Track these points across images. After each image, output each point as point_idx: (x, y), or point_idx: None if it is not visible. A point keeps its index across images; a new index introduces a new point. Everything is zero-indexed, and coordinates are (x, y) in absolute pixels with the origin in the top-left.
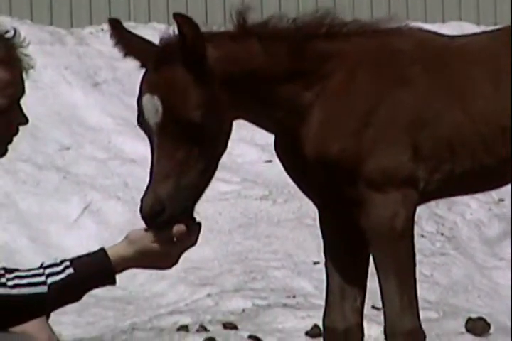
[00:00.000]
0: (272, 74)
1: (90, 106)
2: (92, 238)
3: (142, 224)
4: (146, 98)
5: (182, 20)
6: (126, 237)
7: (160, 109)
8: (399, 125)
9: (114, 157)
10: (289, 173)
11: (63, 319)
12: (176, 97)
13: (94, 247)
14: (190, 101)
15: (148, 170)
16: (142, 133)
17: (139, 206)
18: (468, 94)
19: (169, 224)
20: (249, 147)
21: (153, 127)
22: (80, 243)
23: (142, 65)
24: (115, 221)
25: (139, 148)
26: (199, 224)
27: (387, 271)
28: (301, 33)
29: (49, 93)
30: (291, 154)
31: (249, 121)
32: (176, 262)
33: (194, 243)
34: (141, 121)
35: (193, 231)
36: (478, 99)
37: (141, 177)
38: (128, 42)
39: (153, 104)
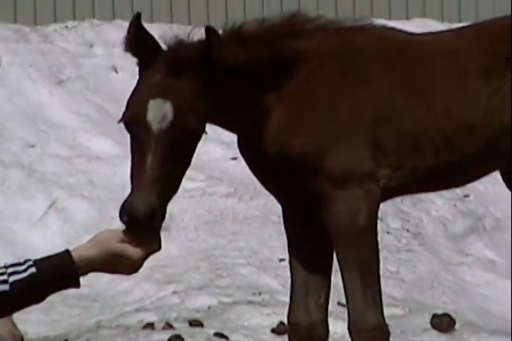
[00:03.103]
0: (250, 77)
1: (55, 104)
2: (57, 236)
3: (107, 222)
4: (156, 102)
5: (212, 32)
6: (93, 238)
7: (170, 115)
8: (360, 122)
9: (79, 155)
10: (252, 171)
11: (29, 317)
12: (186, 106)
13: (59, 245)
14: (199, 112)
15: (129, 171)
16: (107, 130)
17: (123, 208)
18: (431, 91)
19: (154, 229)
20: (215, 145)
21: (155, 132)
22: (45, 241)
23: (140, 64)
24: (80, 219)
25: (105, 146)
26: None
27: (351, 267)
28: (271, 34)
29: (14, 91)
30: (254, 152)
31: (214, 123)
32: (139, 267)
33: (159, 249)
34: (137, 122)
35: (158, 236)
36: (441, 96)
37: (107, 174)
38: (138, 38)
39: (163, 110)
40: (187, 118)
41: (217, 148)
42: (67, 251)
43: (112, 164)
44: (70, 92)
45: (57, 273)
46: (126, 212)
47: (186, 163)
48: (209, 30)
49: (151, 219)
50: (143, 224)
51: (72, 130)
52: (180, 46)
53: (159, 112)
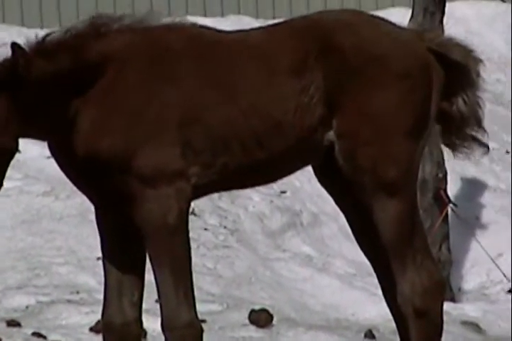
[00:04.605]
0: (57, 86)
1: None
2: None
3: None
4: None
5: (19, 51)
6: None
7: None
8: (168, 122)
9: None
10: (65, 173)
11: None
12: (0, 126)
13: None
14: (14, 130)
15: None
16: None
17: None
18: (240, 89)
19: None
20: (30, 143)
21: None
22: None
23: None
24: None
25: None
26: None
27: (162, 266)
28: (73, 40)
29: None
30: (65, 155)
31: (23, 136)
32: None
33: None
34: None
35: None
36: (250, 94)
37: None
38: None
39: None
40: (0, 139)
41: (34, 147)
42: None
43: None
44: None
45: None
46: None
47: (2, 177)
48: (14, 47)
49: None
50: None
51: None
52: None
53: None
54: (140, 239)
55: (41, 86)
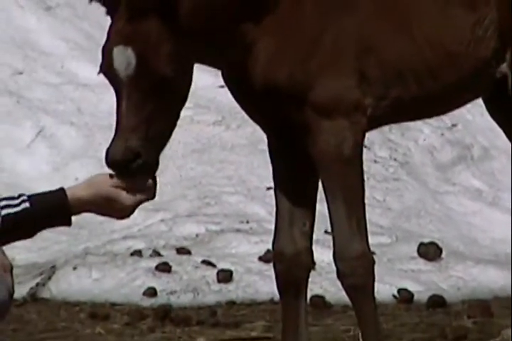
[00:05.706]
0: (230, 13)
1: (43, 31)
2: (44, 162)
3: (94, 149)
4: (119, 50)
5: None
6: (88, 180)
7: (133, 61)
8: (345, 51)
9: (67, 82)
10: (238, 102)
11: (16, 243)
12: (150, 51)
13: (46, 172)
14: (165, 55)
15: (115, 118)
16: (95, 58)
17: (106, 155)
18: (414, 18)
19: (139, 173)
20: (202, 72)
21: (123, 79)
22: (33, 167)
23: (108, 12)
24: (68, 146)
25: (93, 73)
26: (156, 178)
27: (336, 197)
28: None
29: (1, 17)
30: (240, 84)
31: (198, 62)
32: (131, 213)
33: (152, 197)
34: (109, 71)
35: (153, 184)
36: (424, 24)
37: (94, 102)
38: None
39: (125, 57)
40: (152, 62)
41: (205, 75)
42: (62, 189)
43: (99, 91)
44: (59, 19)
45: (50, 210)
46: (106, 158)
47: (167, 107)
48: None
49: (130, 162)
50: (122, 168)
51: (60, 57)
52: None
53: (123, 59)
54: (312, 169)
55: (207, 10)
